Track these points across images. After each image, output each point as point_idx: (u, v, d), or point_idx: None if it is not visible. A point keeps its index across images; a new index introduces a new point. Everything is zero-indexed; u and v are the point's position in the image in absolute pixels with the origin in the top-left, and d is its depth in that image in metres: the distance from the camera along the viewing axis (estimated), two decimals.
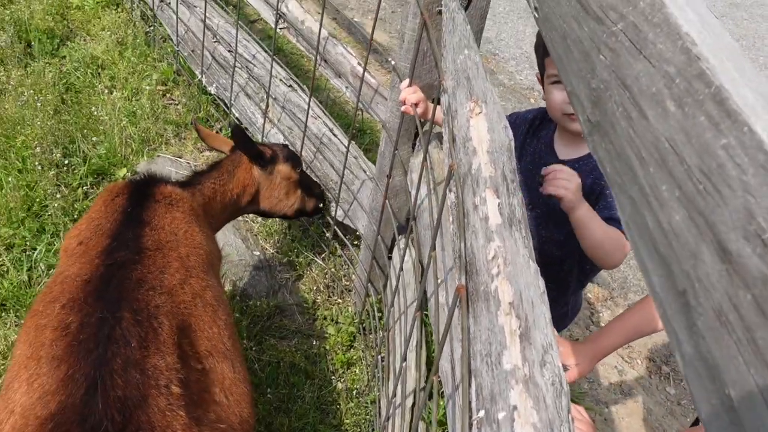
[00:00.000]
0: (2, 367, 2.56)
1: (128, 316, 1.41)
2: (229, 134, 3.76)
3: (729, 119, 0.50)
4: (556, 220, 2.03)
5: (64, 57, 4.34)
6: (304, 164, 2.98)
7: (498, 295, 1.10)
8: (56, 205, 3.24)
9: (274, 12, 2.96)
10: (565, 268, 2.14)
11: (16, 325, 2.77)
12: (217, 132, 3.92)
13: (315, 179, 2.91)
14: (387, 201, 2.46)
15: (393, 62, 2.29)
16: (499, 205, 1.27)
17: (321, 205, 2.78)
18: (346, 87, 2.70)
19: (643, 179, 0.59)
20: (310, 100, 2.82)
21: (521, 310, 1.07)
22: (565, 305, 2.26)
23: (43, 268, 3.03)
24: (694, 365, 0.50)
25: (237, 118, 3.69)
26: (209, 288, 1.69)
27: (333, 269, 3.21)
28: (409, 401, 2.00)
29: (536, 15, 0.97)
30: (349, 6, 5.94)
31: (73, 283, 1.48)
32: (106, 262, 1.55)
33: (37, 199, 3.29)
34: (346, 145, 2.68)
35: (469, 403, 1.06)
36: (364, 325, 2.90)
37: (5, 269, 3.02)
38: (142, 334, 1.39)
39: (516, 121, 2.19)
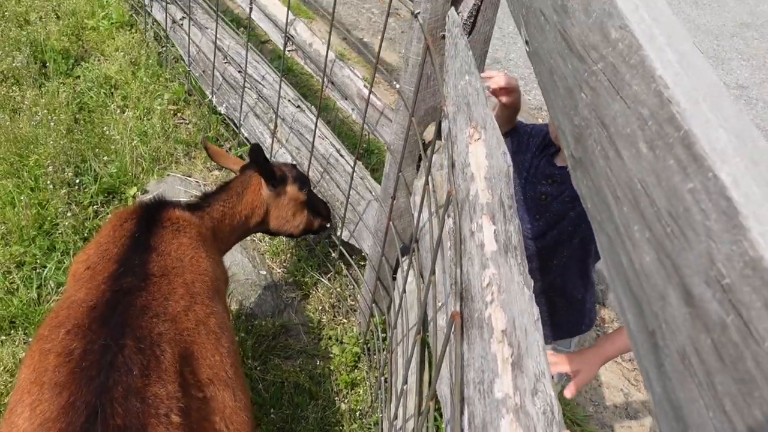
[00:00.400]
0: (10, 384, 2.59)
1: (131, 344, 1.43)
2: (234, 150, 3.81)
3: (695, 164, 0.52)
4: (562, 224, 2.09)
5: (78, 77, 4.42)
6: (311, 184, 3.01)
7: (491, 323, 1.11)
8: (67, 223, 3.29)
9: (283, 35, 3.01)
10: (573, 269, 2.17)
11: (24, 343, 2.80)
12: (226, 151, 3.97)
13: (321, 198, 2.92)
14: (391, 222, 2.48)
15: (398, 86, 2.32)
16: (495, 232, 1.28)
17: (327, 224, 2.79)
18: (353, 109, 2.73)
19: (618, 218, 0.61)
20: (317, 121, 2.85)
21: (514, 337, 1.08)
22: (578, 304, 2.26)
23: (52, 285, 3.06)
24: (662, 405, 0.51)
25: (246, 138, 3.73)
26: (213, 315, 1.71)
27: (339, 289, 3.23)
28: (410, 424, 2.00)
29: (527, 48, 0.99)
30: (359, 26, 6.01)
31: (79, 309, 1.51)
32: (112, 288, 1.58)
33: (49, 218, 3.33)
34: (354, 165, 2.70)
35: (461, 431, 1.06)
36: (368, 345, 2.91)
37: (15, 287, 3.05)
38: (144, 361, 1.41)
39: (532, 132, 2.26)
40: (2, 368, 2.66)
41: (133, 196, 3.63)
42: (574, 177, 0.76)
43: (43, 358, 1.42)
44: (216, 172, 3.88)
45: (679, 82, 0.63)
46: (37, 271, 3.15)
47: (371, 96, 2.59)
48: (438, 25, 2.11)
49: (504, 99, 2.19)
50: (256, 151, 2.28)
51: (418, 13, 2.11)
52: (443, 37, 2.12)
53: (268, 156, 3.43)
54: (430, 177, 2.00)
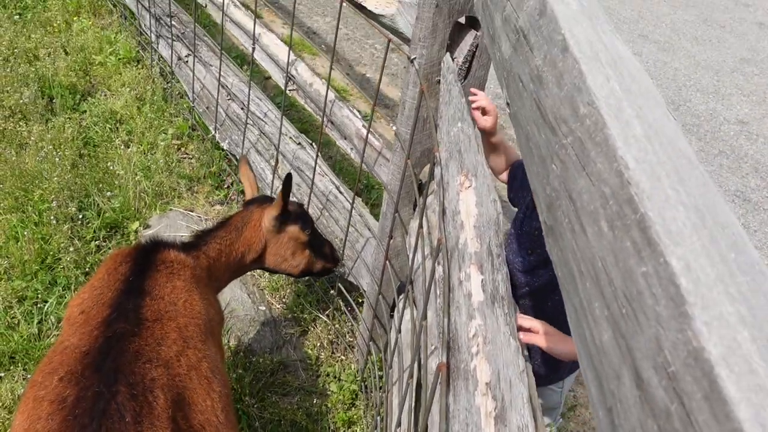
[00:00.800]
0: (7, 421, 2.59)
1: (124, 390, 1.45)
2: (236, 185, 3.84)
3: (649, 248, 0.54)
4: (551, 266, 2.09)
5: (85, 112, 4.49)
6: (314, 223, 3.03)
7: (476, 375, 1.13)
8: (69, 258, 3.32)
9: (284, 75, 3.07)
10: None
11: (23, 379, 2.81)
12: (228, 186, 4.02)
13: (328, 240, 2.84)
14: (388, 262, 2.50)
15: (395, 128, 2.36)
16: (482, 281, 1.30)
17: (332, 267, 2.73)
18: (351, 149, 2.78)
19: (582, 292, 0.63)
20: (317, 158, 2.90)
21: (498, 390, 1.09)
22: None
23: (53, 320, 3.08)
24: None
25: None
26: (205, 359, 1.72)
27: (337, 325, 3.23)
28: None
29: (508, 110, 1.02)
30: (362, 62, 6.10)
31: (73, 355, 1.52)
32: (105, 333, 1.59)
33: (51, 252, 3.37)
34: (353, 204, 2.74)
35: None
36: (366, 383, 2.90)
37: (16, 321, 3.07)
38: (136, 408, 1.42)
39: None
40: (0, 405, 2.67)
41: (136, 231, 3.67)
42: (546, 242, 0.78)
43: (37, 406, 1.43)
44: (218, 207, 3.93)
45: (642, 158, 0.66)
46: (39, 305, 3.17)
47: (370, 136, 2.63)
48: (433, 71, 2.16)
49: (479, 118, 2.18)
50: (288, 182, 2.30)
51: (414, 58, 2.16)
52: (438, 82, 2.17)
53: (268, 192, 3.48)
54: (425, 220, 2.03)
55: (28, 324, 3.06)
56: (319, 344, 3.18)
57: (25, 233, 3.39)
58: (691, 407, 0.43)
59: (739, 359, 0.45)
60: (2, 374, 2.81)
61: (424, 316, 1.58)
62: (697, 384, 0.44)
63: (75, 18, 5.50)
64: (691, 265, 0.53)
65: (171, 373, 1.60)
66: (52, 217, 3.50)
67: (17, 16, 5.42)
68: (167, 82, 4.67)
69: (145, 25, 4.93)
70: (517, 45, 0.97)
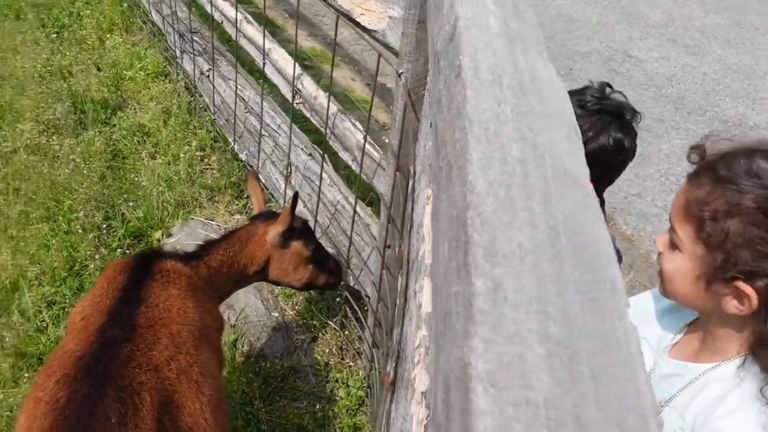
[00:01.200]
0: None
1: (112, 393, 1.55)
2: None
3: (465, 269, 0.58)
4: None
5: (115, 125, 4.69)
6: (319, 232, 3.11)
7: (414, 384, 1.17)
8: (95, 265, 3.48)
9: (291, 88, 3.16)
10: None
11: None
12: (247, 196, 4.14)
13: (333, 254, 2.89)
14: (386, 270, 2.55)
15: (387, 140, 2.42)
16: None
17: (336, 283, 2.79)
18: (353, 160, 2.84)
19: (432, 308, 0.68)
20: (322, 169, 2.98)
21: (433, 399, 1.13)
22: None
23: None
24: None
25: (263, 185, 3.89)
26: (197, 364, 1.81)
27: (346, 332, 3.30)
28: None
29: (430, 127, 1.07)
30: (384, 72, 6.16)
31: (69, 359, 1.64)
32: (100, 339, 1.71)
33: (79, 260, 3.54)
34: (354, 213, 2.80)
35: None
36: (371, 389, 2.96)
37: (45, 325, 3.25)
38: (122, 410, 1.52)
39: None
40: None
41: (158, 240, 3.82)
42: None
43: (36, 406, 1.56)
44: (237, 216, 4.05)
45: (501, 182, 0.69)
46: (66, 310, 3.34)
47: (370, 148, 2.70)
48: (419, 85, 2.21)
49: None
50: (295, 199, 2.42)
51: (401, 72, 2.21)
52: (424, 96, 2.22)
53: (282, 201, 3.57)
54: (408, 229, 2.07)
55: (56, 327, 3.22)
56: (328, 350, 3.25)
57: (55, 242, 3.58)
58: (453, 418, 0.48)
59: (513, 374, 0.49)
60: (32, 374, 2.97)
61: (397, 324, 1.63)
62: (459, 398, 0.48)
63: (108, 35, 5.74)
64: (503, 286, 0.56)
65: (160, 377, 1.70)
66: (79, 227, 3.68)
67: (54, 35, 5.69)
68: (191, 96, 4.84)
69: (170, 41, 5.11)
70: (434, 68, 1.02)
